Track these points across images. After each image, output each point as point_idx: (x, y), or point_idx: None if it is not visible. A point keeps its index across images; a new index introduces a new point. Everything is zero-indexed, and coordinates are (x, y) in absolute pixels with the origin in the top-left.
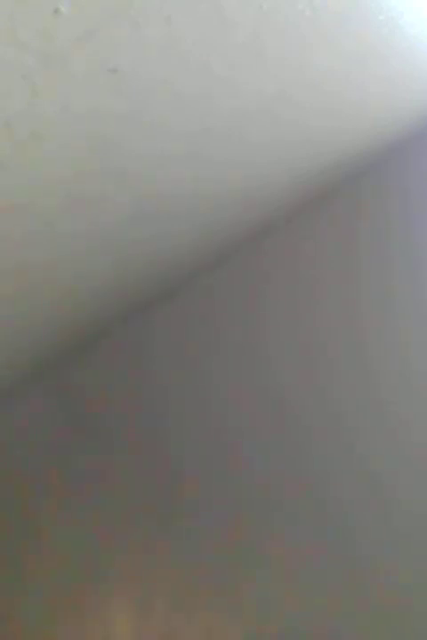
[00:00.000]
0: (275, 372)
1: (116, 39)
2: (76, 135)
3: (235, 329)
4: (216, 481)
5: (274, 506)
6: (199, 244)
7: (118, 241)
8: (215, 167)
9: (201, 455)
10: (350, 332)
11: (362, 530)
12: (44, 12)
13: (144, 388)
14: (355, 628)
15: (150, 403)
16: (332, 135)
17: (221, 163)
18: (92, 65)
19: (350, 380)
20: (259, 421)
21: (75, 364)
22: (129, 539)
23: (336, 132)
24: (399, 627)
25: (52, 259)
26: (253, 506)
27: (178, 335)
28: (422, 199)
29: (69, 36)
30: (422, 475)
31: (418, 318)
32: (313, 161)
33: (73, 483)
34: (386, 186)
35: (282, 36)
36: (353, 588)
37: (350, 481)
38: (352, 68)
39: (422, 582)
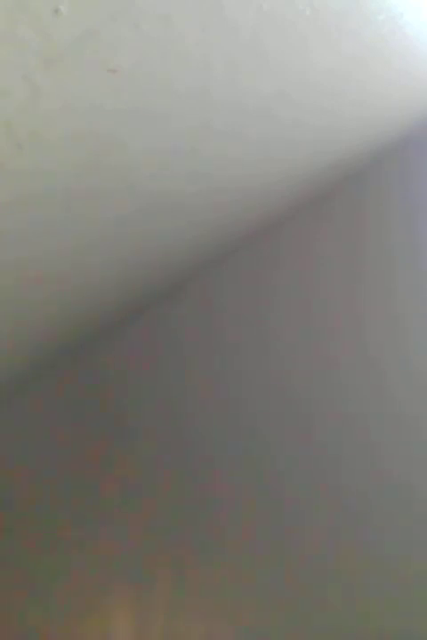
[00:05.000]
0: (281, 362)
1: (116, 39)
2: (76, 135)
3: (237, 326)
4: (228, 473)
5: (284, 496)
6: (200, 240)
7: (119, 238)
8: (215, 166)
9: (211, 454)
10: (352, 329)
11: (373, 518)
12: (44, 11)
13: (147, 386)
14: (365, 622)
15: (156, 400)
16: (332, 135)
17: (222, 162)
18: (92, 65)
19: (354, 373)
20: (268, 412)
21: (76, 363)
22: (138, 537)
23: (336, 131)
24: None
25: (53, 256)
26: (262, 497)
27: (179, 334)
28: (423, 199)
29: (69, 36)
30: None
31: (418, 313)
32: (313, 160)
33: (75, 483)
34: (386, 186)
35: (282, 36)
36: (362, 581)
37: (357, 466)
38: (352, 68)
39: None
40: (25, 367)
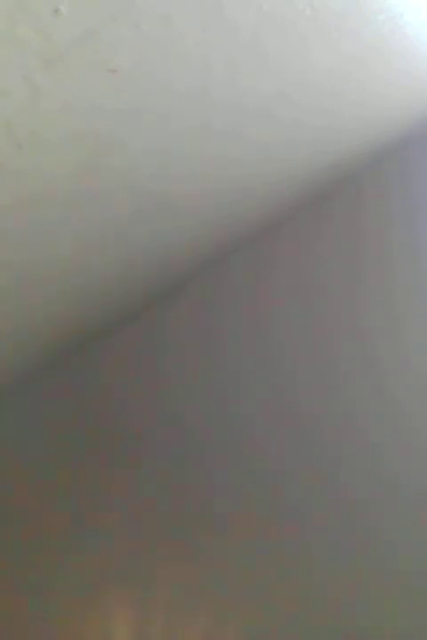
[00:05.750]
0: (280, 363)
1: (116, 39)
2: (76, 135)
3: (237, 326)
4: (228, 473)
5: (285, 495)
6: (200, 241)
7: (119, 238)
8: (215, 167)
9: (210, 454)
10: (352, 329)
11: (371, 516)
12: (44, 11)
13: (147, 386)
14: (367, 622)
15: (156, 400)
16: (332, 135)
17: (222, 162)
18: (92, 65)
19: (354, 372)
20: (268, 411)
21: (76, 363)
22: (138, 540)
23: (336, 131)
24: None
25: (53, 256)
26: (262, 496)
27: (179, 334)
28: (423, 199)
29: (69, 36)
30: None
31: (418, 313)
32: (313, 160)
33: (75, 483)
34: (386, 186)
35: (282, 36)
36: (365, 581)
37: (357, 466)
38: (352, 68)
39: None
40: (25, 367)
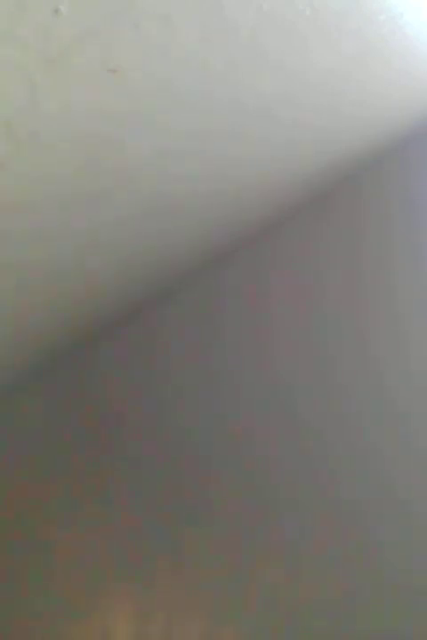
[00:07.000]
0: (279, 363)
1: (116, 39)
2: (75, 135)
3: (236, 326)
4: (226, 472)
5: (283, 496)
6: (200, 241)
7: (119, 238)
8: (215, 166)
9: (209, 454)
10: (352, 330)
11: (368, 518)
12: (44, 12)
13: (146, 386)
14: (364, 623)
15: (155, 400)
16: (332, 135)
17: (222, 162)
18: (92, 65)
19: (354, 373)
20: (267, 412)
21: (76, 363)
22: (134, 541)
23: (336, 131)
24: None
25: (52, 257)
26: (260, 497)
27: (178, 334)
28: (423, 199)
29: (69, 36)
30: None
31: (419, 313)
32: (313, 160)
33: (75, 482)
34: (386, 186)
35: (282, 36)
36: (363, 582)
37: (356, 467)
38: (352, 68)
39: None
40: (25, 367)
